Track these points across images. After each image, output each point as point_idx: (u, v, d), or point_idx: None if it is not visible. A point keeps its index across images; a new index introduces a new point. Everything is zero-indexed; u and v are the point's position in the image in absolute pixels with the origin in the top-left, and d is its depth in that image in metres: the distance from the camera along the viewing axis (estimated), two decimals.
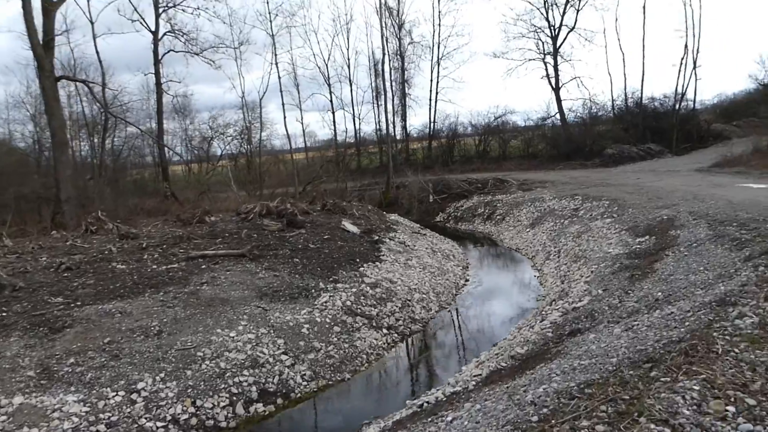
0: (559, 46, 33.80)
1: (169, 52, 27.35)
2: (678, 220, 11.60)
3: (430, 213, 25.42)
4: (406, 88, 38.38)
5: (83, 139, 31.65)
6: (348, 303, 10.24)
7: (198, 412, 7.20)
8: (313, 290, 10.54)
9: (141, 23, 26.68)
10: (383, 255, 13.26)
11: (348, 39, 40.99)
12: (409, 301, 11.15)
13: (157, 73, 26.97)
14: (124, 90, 30.38)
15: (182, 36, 27.65)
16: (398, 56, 37.65)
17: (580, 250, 12.88)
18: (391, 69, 37.54)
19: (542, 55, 34.90)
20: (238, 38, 31.63)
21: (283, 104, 30.27)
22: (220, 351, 8.19)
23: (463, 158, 37.39)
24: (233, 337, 8.58)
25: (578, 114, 35.05)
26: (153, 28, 26.88)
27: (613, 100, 34.62)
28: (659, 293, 7.07)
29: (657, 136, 31.49)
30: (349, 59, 37.17)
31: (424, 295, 11.63)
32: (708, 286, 6.39)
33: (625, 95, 34.02)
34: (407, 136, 39.41)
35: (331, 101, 40.09)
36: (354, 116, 38.98)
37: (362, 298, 10.59)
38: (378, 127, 39.43)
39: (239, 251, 11.86)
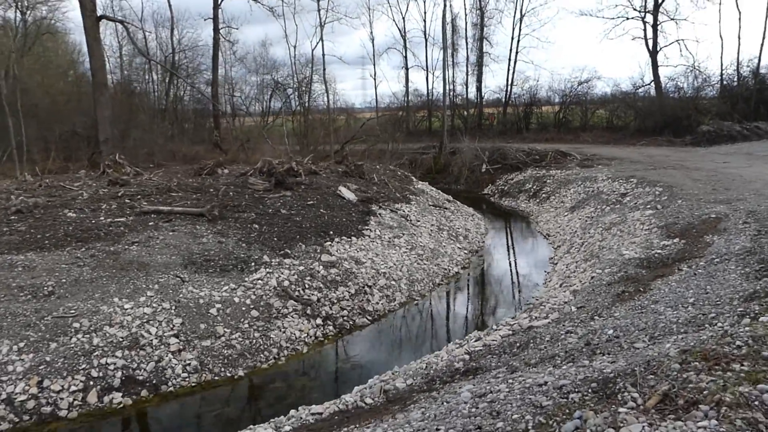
0: (662, 2, 28.97)
1: None
2: (726, 221, 8.88)
3: (480, 184, 23.09)
4: (485, 46, 35.22)
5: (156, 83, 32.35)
6: (286, 283, 8.83)
7: (40, 395, 6.24)
8: (252, 263, 9.23)
9: None
10: (368, 229, 11.63)
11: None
12: (369, 287, 9.53)
13: (215, 18, 26.41)
14: (191, 38, 30.07)
15: None
16: (477, 10, 34.48)
17: (600, 246, 10.46)
18: (466, 24, 34.56)
19: (642, 13, 30.18)
20: None
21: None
22: (100, 324, 7.16)
23: (540, 126, 33.98)
24: (126, 309, 7.52)
25: (678, 83, 30.24)
26: None
27: (722, 68, 29.39)
28: (611, 331, 4.96)
29: None
30: (425, 12, 34.39)
31: (392, 282, 9.94)
32: (657, 338, 4.24)
33: (738, 63, 28.70)
34: (481, 99, 36.41)
35: (405, 57, 38.00)
36: (426, 75, 36.57)
37: (308, 278, 9.13)
38: (449, 87, 36.75)
39: (198, 210, 10.79)
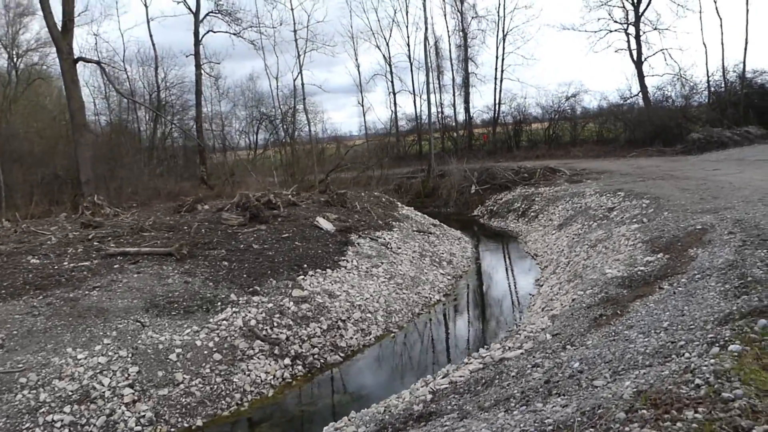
0: (642, 13, 29.03)
1: (208, 32, 26.76)
2: (712, 231, 8.48)
3: (469, 205, 22.72)
4: (470, 67, 35.26)
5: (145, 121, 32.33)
6: (253, 322, 8.41)
7: None
8: (219, 303, 8.82)
9: (184, 4, 26.36)
10: (344, 260, 11.24)
11: (407, 14, 37.98)
12: (343, 322, 9.09)
13: (196, 54, 26.47)
14: (178, 75, 30.09)
15: (223, 15, 27.07)
16: (460, 32, 34.63)
17: (584, 265, 10.04)
18: (450, 46, 34.71)
19: (625, 25, 30.22)
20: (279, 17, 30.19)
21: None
22: (49, 378, 6.74)
23: (530, 143, 33.79)
24: (79, 359, 7.09)
25: (666, 92, 30.07)
26: (194, 9, 26.43)
27: (708, 75, 29.25)
28: (576, 364, 4.54)
29: (765, 116, 26.14)
30: (408, 37, 34.52)
31: (368, 315, 9.50)
32: (619, 374, 3.81)
33: (723, 69, 28.56)
34: (470, 119, 36.31)
35: (392, 82, 38.09)
36: (414, 99, 36.60)
37: (277, 315, 8.71)
38: (438, 110, 36.75)
39: (166, 249, 10.42)
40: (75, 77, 19.40)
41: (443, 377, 6.05)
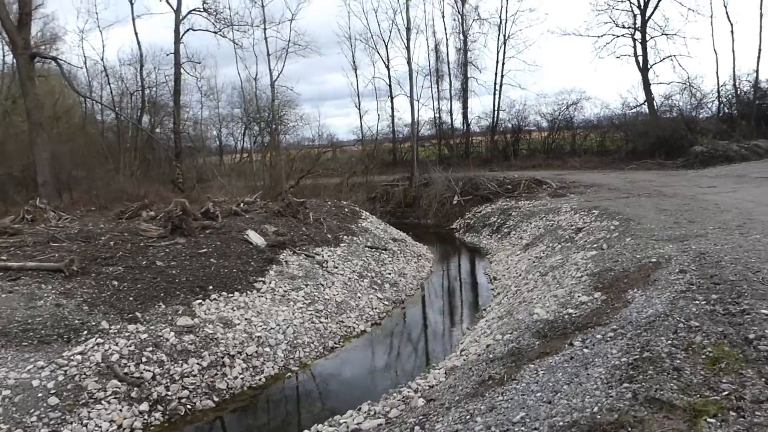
0: (650, 17, 27.32)
1: (188, 30, 25.83)
2: (665, 267, 7.03)
3: (450, 217, 21.29)
4: (469, 71, 33.82)
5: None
6: (115, 357, 7.16)
7: None
8: (85, 331, 7.60)
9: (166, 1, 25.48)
10: (261, 281, 9.97)
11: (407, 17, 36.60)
12: (231, 357, 7.81)
13: (176, 53, 25.56)
14: (168, 74, 29.20)
15: (209, 14, 26.16)
16: (460, 34, 33.25)
17: (523, 299, 8.66)
18: (447, 49, 33.35)
19: (631, 30, 28.51)
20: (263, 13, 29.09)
21: None
22: None
23: (529, 152, 32.23)
24: None
25: (673, 101, 28.25)
26: (175, 7, 25.53)
27: (718, 84, 27.38)
28: None
29: None
30: (408, 39, 33.06)
31: (265, 349, 8.20)
32: None
33: (735, 77, 26.70)
34: (468, 125, 34.80)
35: (390, 86, 36.78)
36: (412, 103, 35.18)
37: (149, 349, 7.45)
38: (436, 116, 35.39)
39: (55, 265, 9.25)
40: (31, 73, 18.53)
41: None
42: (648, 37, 28.07)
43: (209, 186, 22.85)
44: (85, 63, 29.59)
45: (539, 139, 32.63)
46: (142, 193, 21.99)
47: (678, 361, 3.64)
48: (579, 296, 7.06)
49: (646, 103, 28.46)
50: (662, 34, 27.81)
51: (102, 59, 28.65)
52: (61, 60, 20.11)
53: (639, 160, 24.80)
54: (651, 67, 28.10)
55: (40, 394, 6.42)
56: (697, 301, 5.07)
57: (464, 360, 6.49)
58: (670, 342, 4.02)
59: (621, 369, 3.76)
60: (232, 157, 31.35)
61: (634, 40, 28.72)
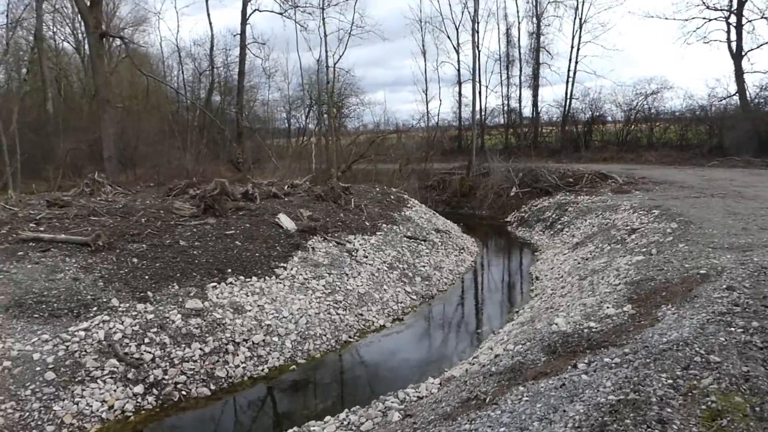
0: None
1: (255, 11, 26.07)
2: (713, 281, 6.05)
3: (506, 209, 20.26)
4: (541, 57, 32.07)
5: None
6: (118, 336, 7.12)
7: None
8: (95, 308, 7.63)
9: None
10: (283, 267, 9.71)
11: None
12: (235, 344, 7.60)
13: (242, 34, 25.94)
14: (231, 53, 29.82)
15: None
16: (533, 17, 31.54)
17: (551, 305, 7.84)
18: (519, 33, 31.72)
19: (727, 12, 25.79)
20: None
21: None
22: None
23: (602, 144, 30.23)
24: None
25: None
26: None
27: None
28: None
29: None
30: (477, 22, 31.74)
31: (273, 339, 7.93)
32: None
33: None
34: (537, 113, 33.14)
35: (459, 71, 35.68)
36: (479, 89, 33.89)
37: (153, 330, 7.36)
38: (504, 103, 33.94)
39: (83, 239, 9.42)
40: (100, 51, 19.29)
41: None
42: (744, 20, 25.31)
43: (266, 167, 23.03)
44: (161, 43, 30.92)
45: (613, 131, 30.50)
46: (201, 171, 22.57)
47: (668, 411, 2.88)
48: (607, 308, 6.21)
49: (737, 94, 25.75)
50: (761, 17, 24.99)
51: (176, 40, 29.48)
52: (127, 40, 20.74)
53: (723, 156, 22.53)
54: (746, 54, 25.35)
55: (38, 368, 6.46)
56: (732, 329, 4.18)
57: (466, 370, 5.87)
58: (670, 382, 3.25)
59: (601, 410, 3.05)
60: (298, 139, 31.59)
61: (728, 23, 26.01)
